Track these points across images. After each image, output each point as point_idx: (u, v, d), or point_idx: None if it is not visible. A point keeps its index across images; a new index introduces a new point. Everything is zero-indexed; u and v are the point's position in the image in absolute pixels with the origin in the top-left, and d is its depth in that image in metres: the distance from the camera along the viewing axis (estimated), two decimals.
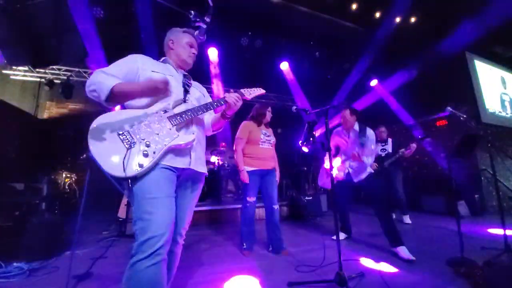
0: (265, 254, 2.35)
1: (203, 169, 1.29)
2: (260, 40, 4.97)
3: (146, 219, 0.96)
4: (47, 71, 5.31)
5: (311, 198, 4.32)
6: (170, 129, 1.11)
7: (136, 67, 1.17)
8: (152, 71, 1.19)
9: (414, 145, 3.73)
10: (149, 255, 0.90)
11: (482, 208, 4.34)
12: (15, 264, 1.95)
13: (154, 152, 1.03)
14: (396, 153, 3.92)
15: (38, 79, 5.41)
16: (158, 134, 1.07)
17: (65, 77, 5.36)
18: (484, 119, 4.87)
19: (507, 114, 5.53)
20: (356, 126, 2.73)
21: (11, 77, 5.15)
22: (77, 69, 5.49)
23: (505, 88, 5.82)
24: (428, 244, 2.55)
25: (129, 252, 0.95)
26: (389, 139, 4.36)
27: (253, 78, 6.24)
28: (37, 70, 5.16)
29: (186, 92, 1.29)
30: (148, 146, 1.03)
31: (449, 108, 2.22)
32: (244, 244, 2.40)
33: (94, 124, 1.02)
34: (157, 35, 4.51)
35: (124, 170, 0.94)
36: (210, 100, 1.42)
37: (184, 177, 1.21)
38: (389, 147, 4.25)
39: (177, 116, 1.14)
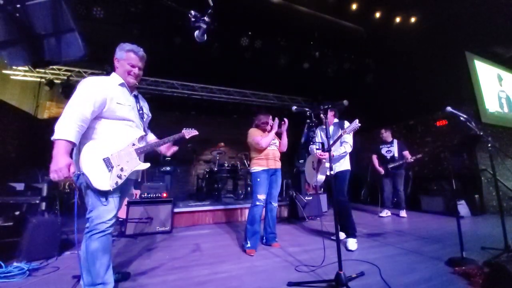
0: (265, 254, 2.35)
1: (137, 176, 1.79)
2: (260, 40, 4.96)
3: (102, 210, 1.43)
4: (47, 71, 5.31)
5: (311, 198, 4.33)
6: (136, 158, 1.59)
7: (105, 101, 1.46)
8: (117, 103, 1.52)
9: (420, 156, 4.17)
10: (102, 231, 1.42)
11: (482, 208, 4.34)
12: (15, 264, 1.95)
13: (125, 175, 1.51)
14: (401, 159, 4.27)
15: (38, 79, 5.42)
16: (128, 161, 1.54)
17: (65, 77, 5.36)
18: (484, 119, 4.86)
19: (505, 112, 5.52)
20: (336, 120, 2.86)
21: (11, 77, 5.15)
22: (77, 69, 5.49)
23: (501, 85, 5.82)
24: (428, 244, 2.55)
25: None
26: (394, 140, 4.50)
27: (253, 78, 6.26)
28: (37, 70, 5.17)
29: (143, 123, 1.73)
30: (122, 170, 1.50)
31: (449, 108, 2.22)
32: (249, 242, 2.43)
33: (85, 149, 1.41)
34: (156, 34, 4.52)
35: (110, 186, 1.42)
36: (149, 114, 1.88)
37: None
38: (394, 149, 4.42)
39: (140, 149, 1.62)
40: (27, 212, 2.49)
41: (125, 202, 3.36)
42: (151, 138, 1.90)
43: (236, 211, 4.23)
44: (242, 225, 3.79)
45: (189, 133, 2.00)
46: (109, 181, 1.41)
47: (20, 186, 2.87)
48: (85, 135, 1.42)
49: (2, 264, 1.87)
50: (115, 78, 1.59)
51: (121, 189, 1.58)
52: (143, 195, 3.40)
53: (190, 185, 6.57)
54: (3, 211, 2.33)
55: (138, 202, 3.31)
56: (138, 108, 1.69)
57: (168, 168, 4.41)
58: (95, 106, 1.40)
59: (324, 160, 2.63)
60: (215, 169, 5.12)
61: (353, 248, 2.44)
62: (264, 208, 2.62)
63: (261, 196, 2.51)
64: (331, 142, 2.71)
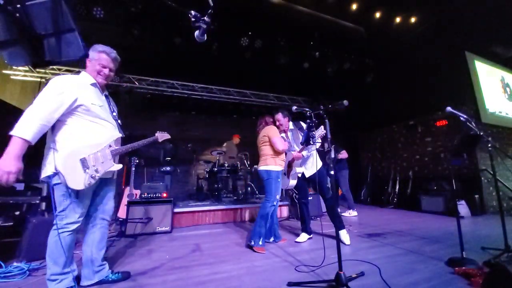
0: (265, 254, 2.35)
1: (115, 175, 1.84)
2: (259, 40, 4.96)
3: (72, 211, 1.50)
4: (47, 71, 5.31)
5: (311, 198, 4.32)
6: (110, 159, 1.62)
7: (75, 101, 1.47)
8: (92, 103, 1.55)
9: (343, 151, 4.72)
10: (70, 231, 1.50)
11: (482, 208, 4.34)
12: (15, 264, 1.95)
13: (98, 175, 1.55)
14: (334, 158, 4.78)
15: (38, 79, 5.41)
16: (103, 162, 1.58)
17: None
18: (484, 119, 4.87)
19: (506, 113, 5.52)
20: (291, 125, 2.89)
21: (11, 77, 5.15)
22: (77, 69, 5.48)
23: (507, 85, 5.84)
24: (428, 244, 2.55)
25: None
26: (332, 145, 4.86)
27: (253, 78, 6.26)
28: (37, 70, 5.16)
29: (118, 124, 1.75)
30: (96, 171, 1.54)
31: (449, 108, 2.22)
32: (261, 240, 2.46)
33: (63, 148, 1.45)
34: (156, 34, 4.51)
35: (83, 185, 1.47)
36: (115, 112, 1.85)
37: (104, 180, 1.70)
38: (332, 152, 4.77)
39: (115, 151, 1.66)
40: (27, 212, 2.49)
41: (124, 202, 3.37)
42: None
43: (236, 211, 4.23)
44: (242, 225, 3.79)
45: (162, 136, 2.06)
46: (83, 181, 1.46)
47: (20, 186, 2.87)
48: (62, 133, 1.47)
49: (2, 264, 1.87)
50: (86, 78, 1.61)
51: (103, 190, 1.70)
52: (143, 195, 3.40)
53: (190, 185, 6.57)
54: (3, 211, 2.34)
55: (138, 202, 3.31)
56: (111, 109, 1.72)
57: (168, 168, 4.41)
58: (63, 106, 1.41)
59: (293, 165, 2.72)
60: (215, 169, 5.12)
61: (347, 241, 2.59)
62: None
63: (278, 196, 2.57)
64: (298, 147, 2.76)
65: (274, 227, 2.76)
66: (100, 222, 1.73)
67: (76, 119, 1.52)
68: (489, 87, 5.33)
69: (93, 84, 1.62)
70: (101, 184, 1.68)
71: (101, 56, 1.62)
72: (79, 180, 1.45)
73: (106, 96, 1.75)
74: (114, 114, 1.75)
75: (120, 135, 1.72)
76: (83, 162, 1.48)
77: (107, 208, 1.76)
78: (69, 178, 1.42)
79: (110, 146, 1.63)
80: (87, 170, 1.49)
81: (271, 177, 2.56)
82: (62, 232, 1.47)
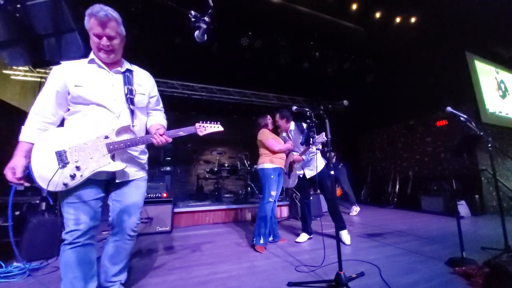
0: (265, 254, 2.35)
1: (135, 175, 1.38)
2: (260, 40, 4.96)
3: (68, 218, 1.16)
4: (47, 71, 5.31)
5: (311, 198, 4.32)
6: (104, 155, 1.19)
7: (63, 85, 1.20)
8: (75, 86, 1.19)
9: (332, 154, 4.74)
10: (70, 243, 1.15)
11: (482, 208, 4.34)
12: (15, 264, 1.95)
13: (81, 176, 1.14)
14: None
15: (38, 79, 5.42)
16: (92, 158, 1.17)
17: None
18: (484, 119, 4.86)
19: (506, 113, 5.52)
20: (293, 126, 2.89)
21: (11, 77, 5.15)
22: None
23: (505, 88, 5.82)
24: (428, 244, 2.55)
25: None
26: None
27: (253, 78, 6.26)
28: (37, 70, 5.17)
29: (132, 111, 1.31)
30: (78, 169, 1.13)
31: (449, 108, 2.22)
32: (262, 238, 2.47)
33: (41, 137, 1.14)
34: (156, 34, 4.51)
35: (47, 185, 1.07)
36: (154, 94, 1.52)
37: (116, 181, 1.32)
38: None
39: (115, 144, 1.21)
40: (27, 212, 2.49)
41: None
42: (155, 122, 1.53)
43: (236, 211, 4.23)
44: (242, 225, 3.79)
45: (205, 128, 1.45)
46: (57, 181, 1.09)
47: (20, 186, 2.86)
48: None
49: (2, 264, 1.88)
50: (89, 56, 1.29)
51: (120, 195, 1.33)
52: None
53: (190, 185, 6.57)
54: (3, 211, 2.33)
55: None
56: (126, 90, 1.28)
57: (168, 168, 4.41)
58: (58, 97, 1.19)
59: (294, 166, 2.76)
60: (215, 169, 5.12)
61: (348, 241, 2.60)
62: None
63: (274, 193, 2.59)
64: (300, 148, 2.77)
65: (273, 226, 2.79)
66: (114, 236, 1.38)
67: (70, 106, 1.24)
68: (489, 87, 5.33)
69: (90, 61, 1.26)
70: (119, 188, 1.34)
71: (90, 23, 1.16)
72: (46, 178, 1.08)
73: (124, 73, 1.33)
74: (131, 97, 1.29)
75: (127, 123, 1.27)
76: (60, 155, 1.11)
77: (121, 220, 1.35)
78: (37, 175, 1.08)
79: (106, 137, 1.20)
80: (64, 166, 1.11)
81: (265, 174, 2.64)
82: (64, 244, 1.16)
